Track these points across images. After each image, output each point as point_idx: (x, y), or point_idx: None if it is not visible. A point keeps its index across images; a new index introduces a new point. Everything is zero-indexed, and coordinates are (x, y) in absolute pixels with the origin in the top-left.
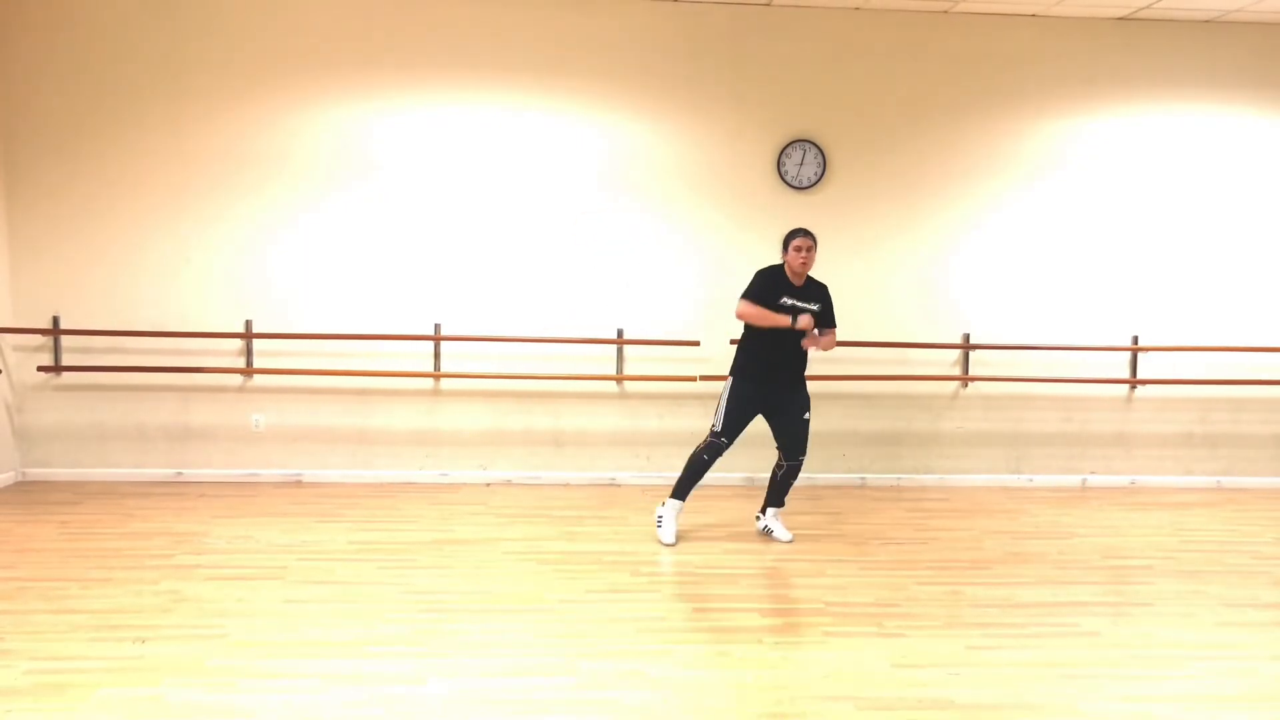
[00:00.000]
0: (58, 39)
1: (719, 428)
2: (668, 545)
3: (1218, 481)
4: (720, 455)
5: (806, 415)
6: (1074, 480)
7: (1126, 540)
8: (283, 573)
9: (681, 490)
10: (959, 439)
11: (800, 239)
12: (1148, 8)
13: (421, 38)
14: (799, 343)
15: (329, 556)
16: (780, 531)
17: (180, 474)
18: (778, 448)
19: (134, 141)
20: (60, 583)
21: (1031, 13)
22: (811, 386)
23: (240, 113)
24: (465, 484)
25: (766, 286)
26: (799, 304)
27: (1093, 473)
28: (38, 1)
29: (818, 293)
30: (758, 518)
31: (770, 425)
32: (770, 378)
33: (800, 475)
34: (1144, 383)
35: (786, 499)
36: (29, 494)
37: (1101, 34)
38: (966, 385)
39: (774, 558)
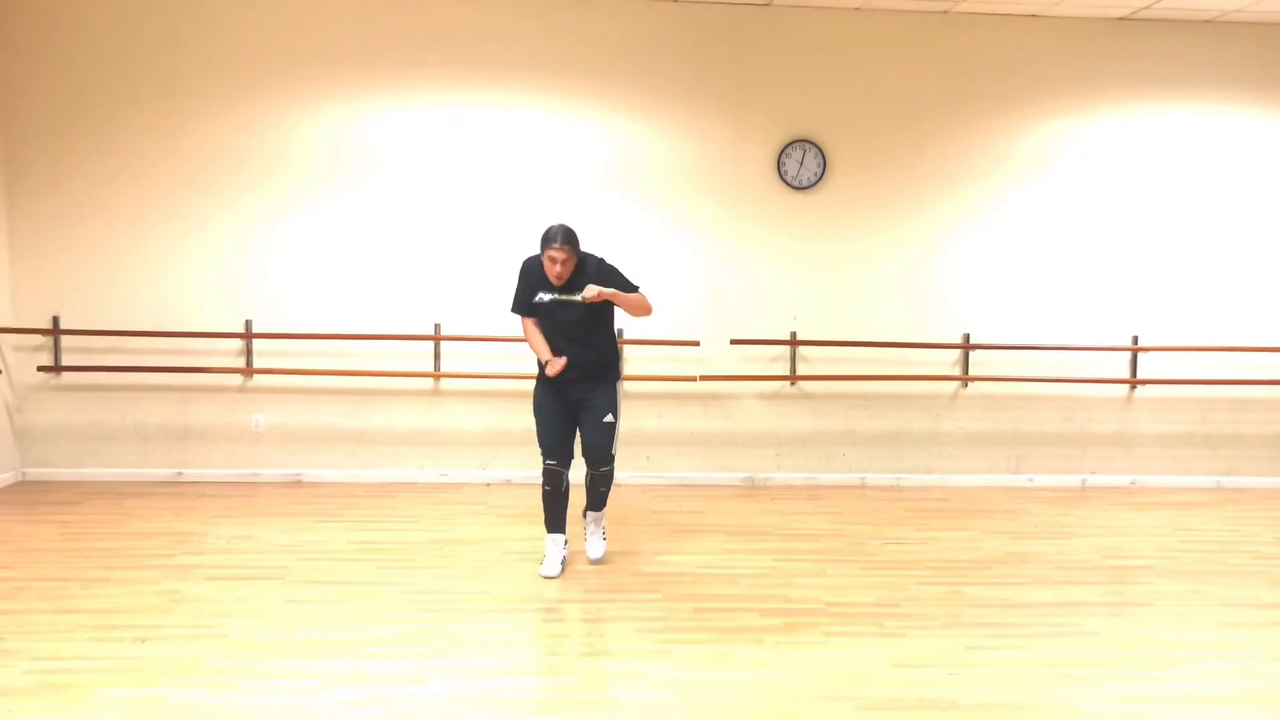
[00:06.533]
0: (55, 39)
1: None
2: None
3: (1218, 481)
4: (549, 481)
5: (608, 418)
6: (1074, 480)
7: (1126, 540)
8: (283, 573)
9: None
10: (959, 439)
11: (554, 249)
12: (1148, 8)
13: (421, 37)
14: (584, 333)
15: (329, 556)
16: (593, 544)
17: (180, 474)
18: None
19: (133, 141)
20: (60, 583)
21: (1031, 13)
22: (812, 386)
23: (239, 111)
24: (465, 484)
25: (522, 286)
26: (559, 298)
27: (1093, 473)
28: (35, 1)
29: (583, 277)
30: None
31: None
32: (560, 378)
33: (799, 475)
34: (1144, 383)
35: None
36: (29, 494)
37: (1102, 34)
38: (966, 385)
39: (774, 558)
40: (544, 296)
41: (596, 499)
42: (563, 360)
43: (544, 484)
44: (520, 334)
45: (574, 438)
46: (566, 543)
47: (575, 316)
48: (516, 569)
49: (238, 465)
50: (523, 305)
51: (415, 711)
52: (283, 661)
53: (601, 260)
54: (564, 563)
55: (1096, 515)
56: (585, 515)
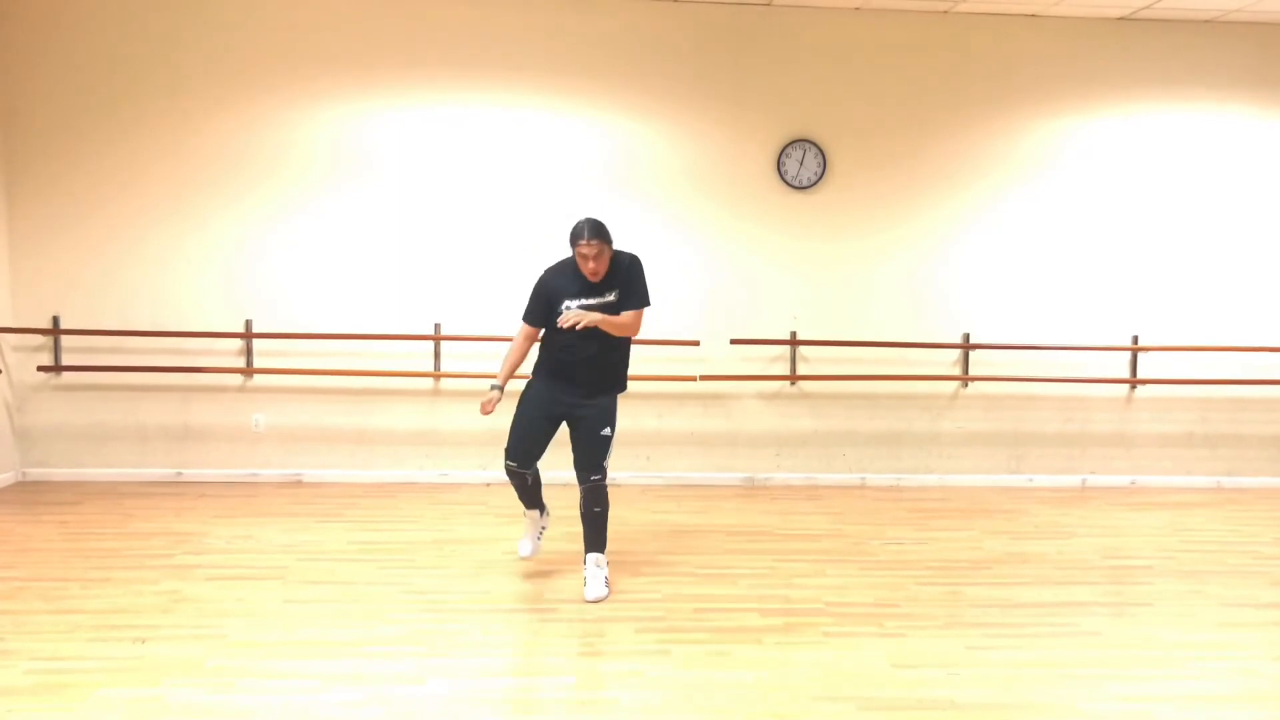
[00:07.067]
0: (55, 39)
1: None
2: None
3: (1218, 481)
4: (513, 478)
5: (605, 431)
6: (1074, 480)
7: (1126, 540)
8: (283, 573)
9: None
10: (959, 439)
11: (583, 245)
12: (1148, 8)
13: (421, 37)
14: (590, 345)
15: (329, 556)
16: (593, 584)
17: (180, 474)
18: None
19: (133, 141)
20: (60, 583)
21: (1031, 13)
22: (812, 386)
23: (239, 111)
24: (465, 484)
25: (541, 295)
26: (586, 302)
27: (1093, 473)
28: (35, 1)
29: (617, 276)
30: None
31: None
32: (561, 379)
33: (799, 475)
34: (1144, 382)
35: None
36: (29, 494)
37: (1101, 34)
38: (967, 385)
39: (774, 558)
40: (571, 304)
41: (595, 531)
42: (494, 404)
43: (510, 477)
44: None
45: (545, 446)
46: (545, 512)
47: (596, 333)
48: (516, 569)
49: (238, 465)
50: (535, 315)
51: (415, 711)
52: (283, 661)
53: (634, 260)
54: (541, 535)
55: (1096, 515)
56: (585, 560)
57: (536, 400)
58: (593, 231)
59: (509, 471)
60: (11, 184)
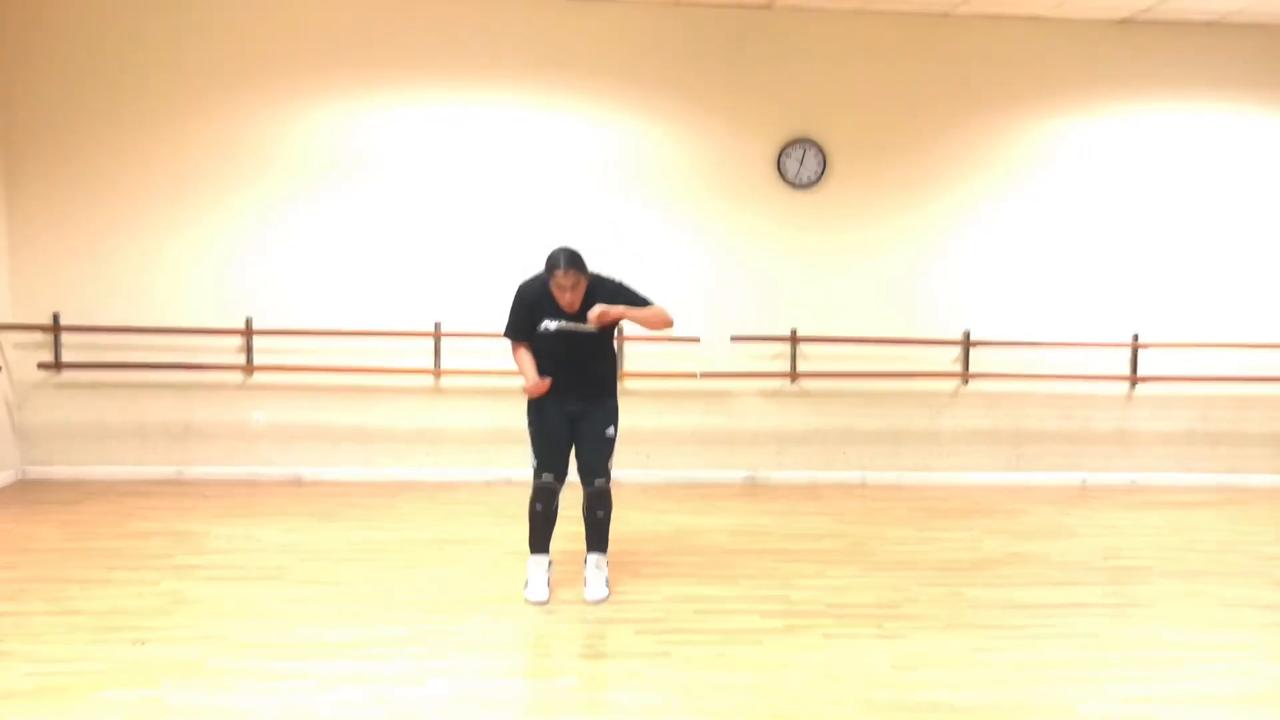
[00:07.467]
0: (55, 38)
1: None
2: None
3: (1218, 480)
4: (543, 499)
5: (609, 431)
6: (1074, 479)
7: (1126, 540)
8: (283, 573)
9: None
10: (959, 437)
11: (560, 275)
12: (1149, 10)
13: (422, 37)
14: (590, 356)
15: (329, 556)
16: (593, 585)
17: (181, 473)
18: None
19: (134, 139)
20: (60, 583)
21: (1033, 15)
22: (812, 384)
23: (240, 110)
24: (466, 483)
25: (523, 312)
26: (565, 326)
27: (1093, 471)
28: (36, 1)
29: (596, 300)
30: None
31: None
32: (557, 392)
33: (800, 473)
34: (1144, 380)
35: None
36: (29, 493)
37: (1103, 35)
38: (967, 383)
39: (774, 559)
40: (550, 325)
41: (597, 533)
42: (546, 381)
43: (535, 503)
44: None
45: (571, 453)
46: (551, 564)
47: (582, 342)
48: (516, 569)
49: (238, 464)
50: (521, 332)
51: (415, 712)
52: (282, 662)
53: (613, 281)
54: (550, 584)
55: (1096, 515)
56: (586, 560)
57: (549, 410)
58: (569, 261)
59: (542, 491)
60: (12, 181)
